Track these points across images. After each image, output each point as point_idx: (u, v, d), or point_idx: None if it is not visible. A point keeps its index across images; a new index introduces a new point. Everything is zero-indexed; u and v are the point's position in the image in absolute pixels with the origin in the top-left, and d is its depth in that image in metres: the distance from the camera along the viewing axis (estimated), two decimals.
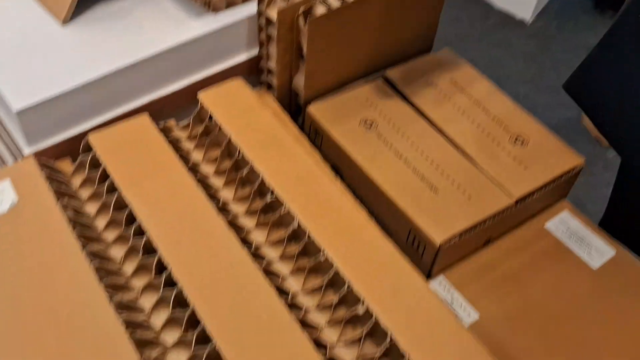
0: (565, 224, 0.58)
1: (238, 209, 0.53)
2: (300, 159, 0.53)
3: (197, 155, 0.56)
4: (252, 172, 0.52)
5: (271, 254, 0.50)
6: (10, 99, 0.52)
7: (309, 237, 0.48)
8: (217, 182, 0.54)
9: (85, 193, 0.53)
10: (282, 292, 0.46)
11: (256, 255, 0.49)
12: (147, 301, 0.46)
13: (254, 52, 0.63)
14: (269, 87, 0.64)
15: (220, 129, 0.55)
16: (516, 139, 0.59)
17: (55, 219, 0.48)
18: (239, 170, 0.54)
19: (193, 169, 0.55)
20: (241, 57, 0.63)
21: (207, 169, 0.55)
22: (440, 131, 0.60)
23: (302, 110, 0.63)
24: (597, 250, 0.56)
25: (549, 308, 0.52)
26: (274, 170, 0.52)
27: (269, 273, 0.47)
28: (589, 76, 0.61)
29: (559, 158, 0.58)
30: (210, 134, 0.56)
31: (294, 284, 0.48)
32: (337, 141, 0.58)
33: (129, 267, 0.48)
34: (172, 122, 0.59)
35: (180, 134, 0.58)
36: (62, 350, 0.42)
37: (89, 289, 0.44)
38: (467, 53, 0.83)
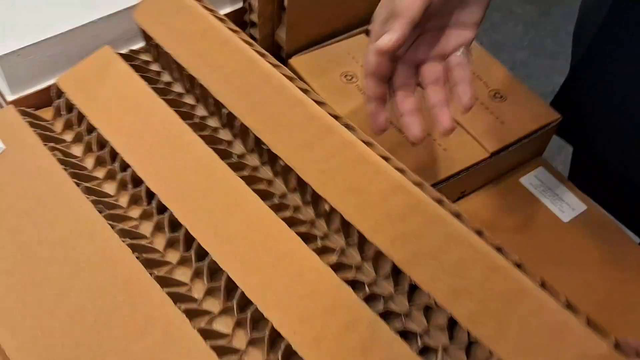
0: (539, 179, 0.59)
1: (215, 122, 0.53)
2: (242, 54, 0.51)
3: (167, 76, 0.56)
4: (202, 89, 0.52)
5: (254, 161, 0.51)
6: None
7: (265, 145, 0.48)
8: (190, 99, 0.55)
9: (68, 136, 0.54)
10: (267, 196, 0.48)
11: (240, 164, 0.50)
12: (146, 229, 0.48)
13: (238, 4, 0.64)
14: (253, 39, 0.64)
15: (162, 48, 0.54)
16: (495, 94, 0.59)
17: (46, 162, 0.49)
18: (194, 87, 0.54)
19: (166, 90, 0.55)
20: (225, 10, 0.63)
21: (179, 87, 0.56)
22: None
23: (284, 64, 0.63)
24: (569, 205, 0.57)
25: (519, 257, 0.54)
26: (219, 82, 0.51)
27: (254, 180, 0.49)
28: (574, 92, 0.61)
29: (536, 113, 0.58)
30: (160, 54, 0.56)
31: (280, 186, 0.50)
32: (317, 94, 0.59)
33: (123, 200, 0.50)
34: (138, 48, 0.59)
35: (146, 57, 0.58)
36: (73, 278, 0.44)
37: (91, 222, 0.46)
38: None
